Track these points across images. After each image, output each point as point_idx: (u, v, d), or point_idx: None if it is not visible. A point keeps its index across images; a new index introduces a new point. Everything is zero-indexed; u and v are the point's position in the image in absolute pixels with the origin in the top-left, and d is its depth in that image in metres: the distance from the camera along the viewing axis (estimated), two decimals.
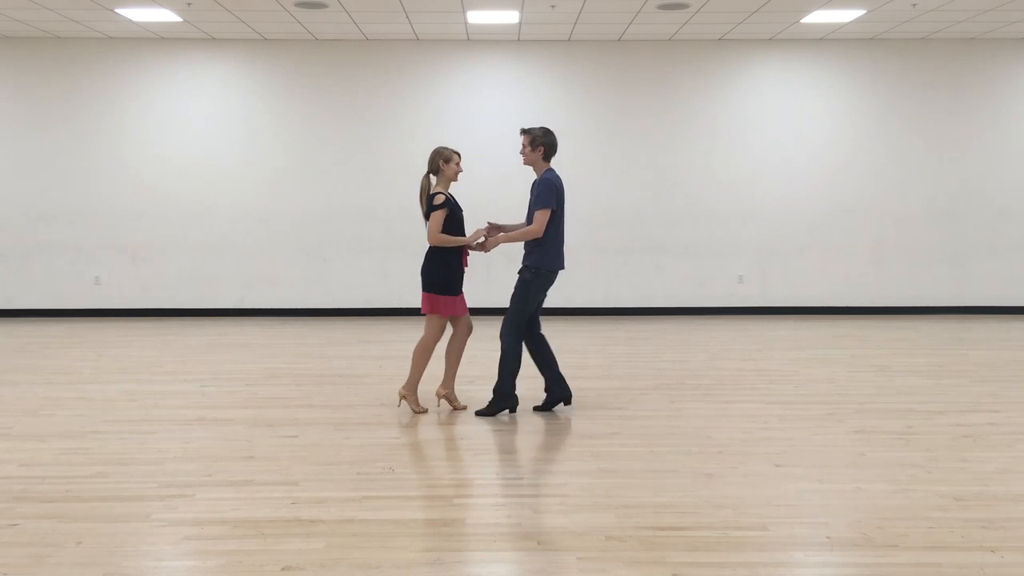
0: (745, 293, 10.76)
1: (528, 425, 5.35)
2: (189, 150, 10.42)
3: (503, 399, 5.57)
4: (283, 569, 3.20)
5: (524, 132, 5.53)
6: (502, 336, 5.51)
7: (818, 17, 9.24)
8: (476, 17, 9.19)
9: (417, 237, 10.54)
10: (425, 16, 9.15)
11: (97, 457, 4.64)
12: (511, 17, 9.20)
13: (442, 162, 5.45)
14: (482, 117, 10.42)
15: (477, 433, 5.21)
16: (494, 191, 9.79)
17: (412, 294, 10.64)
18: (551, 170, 5.52)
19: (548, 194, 5.37)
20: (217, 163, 10.46)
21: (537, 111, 10.36)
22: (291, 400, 6.01)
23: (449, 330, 5.67)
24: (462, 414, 5.63)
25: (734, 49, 10.50)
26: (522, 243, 5.52)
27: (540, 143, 5.46)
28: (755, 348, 8.20)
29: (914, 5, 8.78)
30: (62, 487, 4.12)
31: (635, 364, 7.35)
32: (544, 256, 5.44)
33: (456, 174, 5.50)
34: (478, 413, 5.59)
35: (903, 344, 8.44)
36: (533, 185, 5.50)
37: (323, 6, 8.69)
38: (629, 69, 10.48)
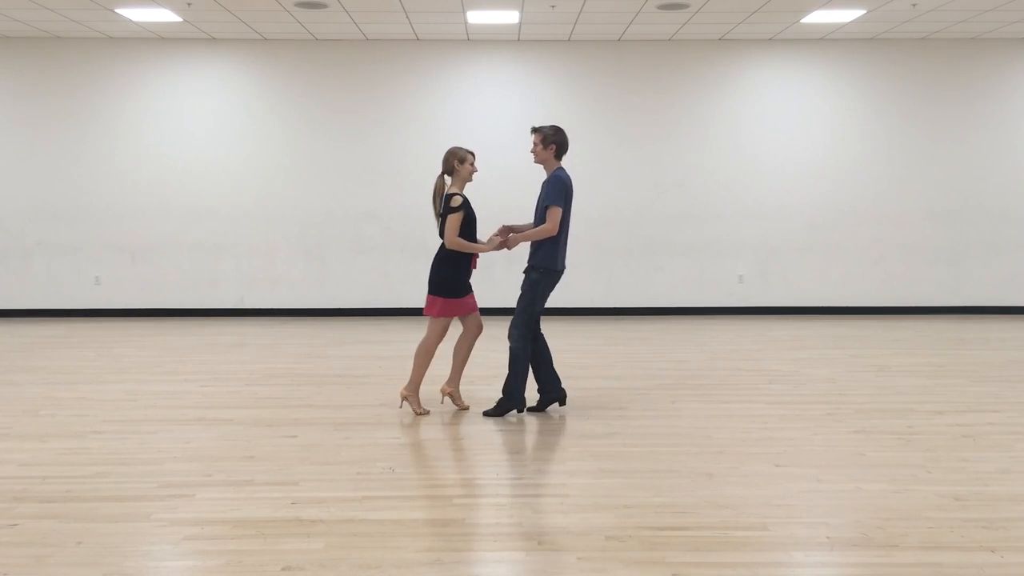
0: (745, 293, 10.76)
1: (528, 425, 5.34)
2: (189, 150, 10.42)
3: (511, 400, 5.54)
4: (283, 569, 3.20)
5: (535, 130, 5.47)
6: (510, 337, 5.48)
7: (818, 17, 9.24)
8: (476, 17, 9.19)
9: (417, 237, 10.60)
10: (425, 16, 9.15)
11: (97, 457, 4.64)
12: (511, 17, 9.20)
13: (457, 162, 5.40)
14: (482, 117, 10.41)
15: (477, 433, 5.21)
16: (494, 191, 9.75)
17: (412, 294, 10.68)
18: (561, 168, 5.46)
19: (557, 192, 5.33)
20: (217, 163, 10.45)
21: (537, 111, 10.35)
22: (291, 400, 6.01)
23: (455, 329, 5.65)
24: (463, 414, 5.63)
25: (734, 49, 10.49)
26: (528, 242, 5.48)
27: (552, 141, 5.41)
28: (755, 348, 8.20)
29: (914, 5, 8.77)
30: (62, 487, 4.12)
31: (635, 364, 7.35)
32: (552, 256, 5.41)
33: (471, 174, 5.46)
34: (486, 413, 5.56)
35: (903, 344, 8.44)
36: (543, 184, 5.46)
37: (323, 6, 8.69)
38: (629, 69, 10.48)
